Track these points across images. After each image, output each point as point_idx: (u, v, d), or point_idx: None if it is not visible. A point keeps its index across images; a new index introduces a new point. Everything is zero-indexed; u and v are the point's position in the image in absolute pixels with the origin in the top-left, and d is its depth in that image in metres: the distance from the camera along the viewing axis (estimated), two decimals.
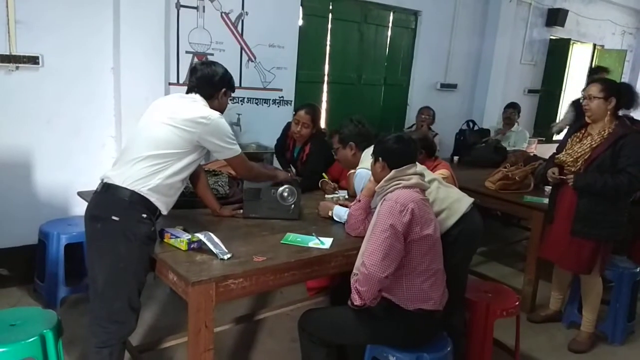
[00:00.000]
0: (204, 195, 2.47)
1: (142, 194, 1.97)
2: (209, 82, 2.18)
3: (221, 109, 2.21)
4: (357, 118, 2.76)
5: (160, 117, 2.07)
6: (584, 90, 2.86)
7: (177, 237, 2.03)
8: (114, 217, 1.94)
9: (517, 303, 2.57)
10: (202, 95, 2.16)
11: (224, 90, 2.21)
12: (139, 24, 3.40)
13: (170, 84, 3.75)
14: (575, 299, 3.21)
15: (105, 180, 2.02)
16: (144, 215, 1.97)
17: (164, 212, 2.08)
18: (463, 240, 2.31)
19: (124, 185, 1.96)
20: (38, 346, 1.90)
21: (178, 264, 1.89)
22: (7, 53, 3.06)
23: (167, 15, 3.61)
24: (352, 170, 2.95)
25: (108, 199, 1.99)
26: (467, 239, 2.34)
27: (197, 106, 2.12)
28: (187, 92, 2.20)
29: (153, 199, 1.99)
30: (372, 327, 2.03)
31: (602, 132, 2.75)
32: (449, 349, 2.09)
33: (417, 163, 2.17)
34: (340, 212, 2.49)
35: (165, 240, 2.07)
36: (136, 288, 2.01)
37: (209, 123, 2.05)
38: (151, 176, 1.98)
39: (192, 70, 2.24)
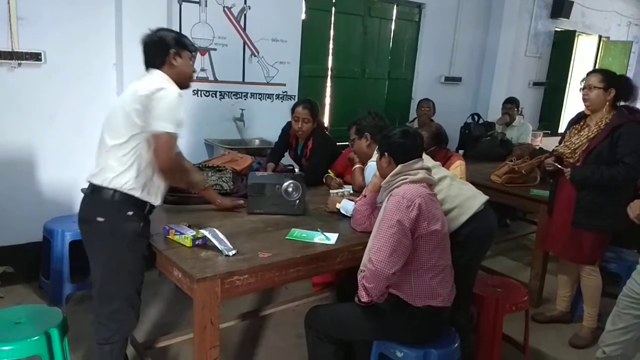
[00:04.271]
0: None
1: (125, 191, 1.92)
2: (156, 48, 2.03)
3: (183, 75, 2.06)
4: (375, 111, 2.79)
5: (121, 103, 1.96)
6: (583, 80, 2.84)
7: (181, 233, 2.02)
8: (98, 219, 1.91)
9: (526, 297, 2.55)
10: (156, 66, 2.03)
11: (173, 51, 2.02)
12: (141, 19, 3.36)
13: None
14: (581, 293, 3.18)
15: (90, 181, 1.98)
16: (130, 213, 1.93)
17: (156, 203, 2.03)
18: (474, 240, 2.28)
19: (105, 185, 1.92)
20: (44, 344, 1.91)
21: (183, 260, 1.88)
22: (10, 49, 3.05)
23: (169, 10, 3.58)
24: (357, 166, 2.95)
25: (93, 201, 1.96)
26: (478, 238, 2.31)
27: (153, 79, 1.97)
28: (146, 68, 2.07)
29: (137, 193, 1.94)
30: (380, 324, 2.01)
31: (600, 123, 2.73)
32: (456, 345, 2.07)
33: (424, 157, 2.14)
34: (348, 206, 2.48)
35: (170, 236, 2.05)
36: (133, 286, 2.00)
37: (157, 91, 1.87)
38: (127, 171, 1.91)
39: (143, 43, 2.06)
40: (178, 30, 2.09)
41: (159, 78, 1.99)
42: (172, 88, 1.94)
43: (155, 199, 2.03)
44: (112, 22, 3.39)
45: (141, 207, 1.98)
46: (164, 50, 2.02)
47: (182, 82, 2.07)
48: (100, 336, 1.98)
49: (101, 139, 1.99)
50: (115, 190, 1.91)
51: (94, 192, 1.95)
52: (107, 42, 3.40)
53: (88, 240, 2.00)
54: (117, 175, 1.91)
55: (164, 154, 1.91)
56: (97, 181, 1.94)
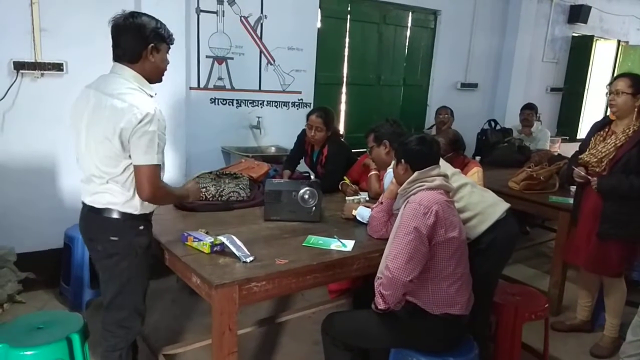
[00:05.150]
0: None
1: (134, 213, 1.90)
2: (132, 38, 1.82)
3: (157, 71, 1.91)
4: (393, 119, 2.79)
5: (100, 131, 1.81)
6: (610, 84, 2.74)
7: (200, 240, 2.04)
8: (112, 238, 1.89)
9: (545, 306, 2.52)
10: (128, 61, 1.85)
11: (152, 46, 1.84)
12: None
13: (191, 88, 3.79)
14: (603, 301, 3.11)
15: (89, 204, 1.92)
16: (141, 228, 1.94)
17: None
18: (496, 249, 2.25)
19: (115, 209, 1.87)
20: (65, 349, 1.94)
21: (201, 267, 1.90)
22: (33, 60, 3.13)
23: (188, 20, 3.64)
24: (373, 172, 2.95)
25: (102, 221, 1.90)
26: (500, 247, 2.27)
27: (132, 96, 1.79)
28: (114, 60, 1.90)
29: (147, 210, 1.94)
30: (397, 331, 2.00)
31: (627, 130, 2.64)
32: (475, 353, 2.05)
33: (442, 164, 2.14)
34: (364, 213, 2.48)
35: (188, 243, 2.08)
36: (142, 294, 2.03)
37: (138, 123, 1.75)
38: (133, 197, 1.86)
39: (115, 27, 1.83)
40: (159, 20, 1.92)
41: (137, 92, 1.81)
42: (151, 111, 1.77)
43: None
44: None
45: (149, 217, 2.00)
46: (141, 43, 1.83)
47: (154, 78, 1.94)
48: (109, 343, 2.01)
49: (89, 160, 1.89)
50: (123, 212, 1.89)
51: (100, 214, 1.89)
52: None
53: (99, 258, 1.98)
54: (126, 202, 1.87)
55: (148, 186, 1.81)
56: (103, 205, 1.88)
